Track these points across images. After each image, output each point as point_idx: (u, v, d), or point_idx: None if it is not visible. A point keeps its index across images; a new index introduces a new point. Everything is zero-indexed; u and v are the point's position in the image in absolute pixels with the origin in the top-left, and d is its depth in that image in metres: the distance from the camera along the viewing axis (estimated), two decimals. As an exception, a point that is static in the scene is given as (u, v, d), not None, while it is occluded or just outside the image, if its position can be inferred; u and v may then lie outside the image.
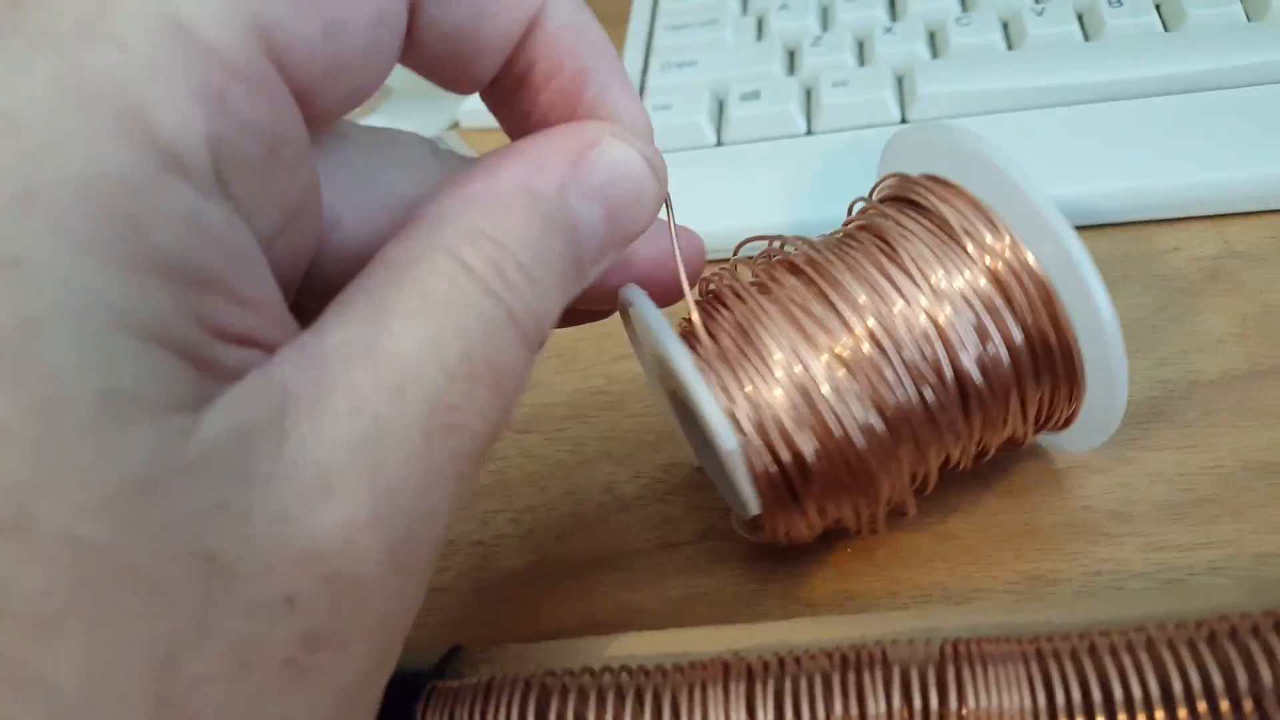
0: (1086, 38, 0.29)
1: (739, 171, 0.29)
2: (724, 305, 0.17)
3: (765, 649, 0.14)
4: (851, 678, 0.13)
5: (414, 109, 0.35)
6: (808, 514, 0.17)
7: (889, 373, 0.16)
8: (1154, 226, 0.26)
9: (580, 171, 0.13)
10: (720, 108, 0.31)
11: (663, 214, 0.16)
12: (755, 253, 0.20)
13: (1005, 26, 0.30)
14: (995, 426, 0.18)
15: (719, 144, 0.30)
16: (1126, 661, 0.13)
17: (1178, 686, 0.12)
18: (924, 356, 0.16)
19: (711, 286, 0.19)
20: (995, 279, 0.16)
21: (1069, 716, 0.13)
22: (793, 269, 0.17)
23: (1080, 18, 0.30)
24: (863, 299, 0.16)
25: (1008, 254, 0.16)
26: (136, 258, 0.09)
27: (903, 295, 0.16)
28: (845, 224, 0.19)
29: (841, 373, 0.16)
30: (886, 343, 0.16)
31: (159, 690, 0.09)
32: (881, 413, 0.16)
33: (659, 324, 0.16)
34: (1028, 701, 0.13)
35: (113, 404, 0.09)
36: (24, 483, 0.09)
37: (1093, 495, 0.20)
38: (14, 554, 0.09)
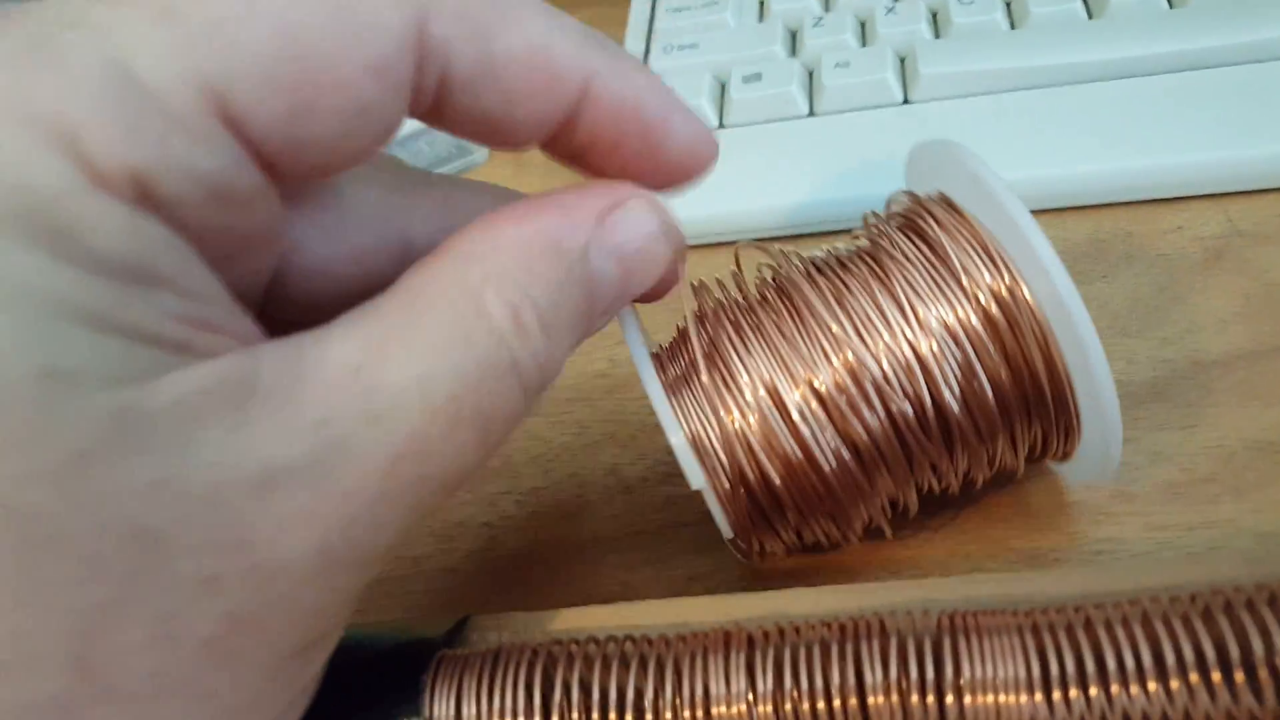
0: (1090, 16, 0.29)
1: (741, 154, 0.29)
2: (708, 325, 0.17)
3: (765, 619, 0.14)
4: (850, 647, 0.13)
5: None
6: (782, 537, 0.18)
7: (864, 406, 0.16)
8: (1157, 205, 0.26)
9: (604, 230, 0.14)
10: (722, 90, 0.31)
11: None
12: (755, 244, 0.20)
13: (1008, 5, 0.30)
14: (981, 462, 0.17)
15: (721, 126, 0.30)
16: (1121, 633, 0.13)
17: (1171, 658, 0.13)
18: (904, 391, 0.16)
19: (700, 305, 0.18)
20: (988, 317, 0.16)
21: (1064, 687, 0.13)
22: (782, 291, 0.17)
23: (1084, -4, 0.29)
24: (846, 331, 0.16)
25: (1004, 292, 0.16)
26: (70, 254, 0.10)
27: (890, 327, 0.16)
28: (853, 236, 0.19)
29: (815, 404, 0.16)
30: (865, 375, 0.16)
31: (80, 652, 0.10)
32: (854, 444, 0.16)
33: (641, 356, 0.17)
34: (1023, 672, 0.13)
35: (51, 381, 0.09)
36: None
37: (1093, 474, 0.20)
38: None
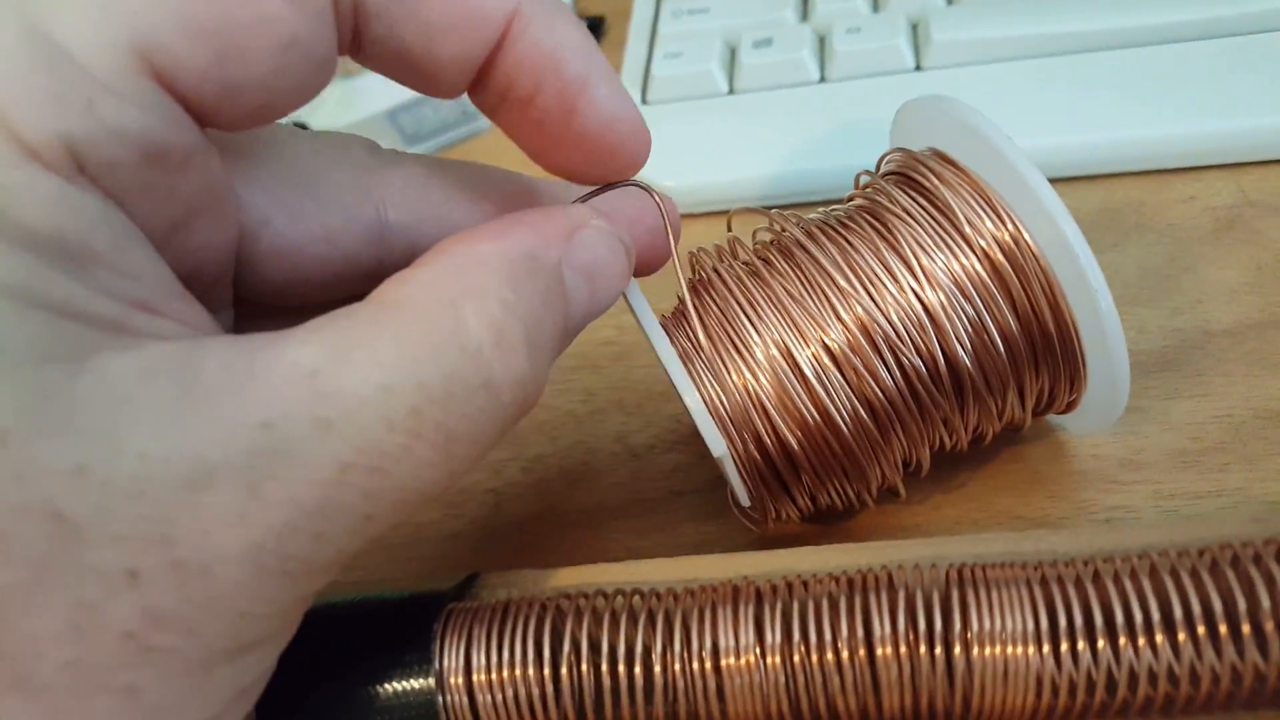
0: (1105, -16, 0.29)
1: (751, 120, 0.28)
2: (713, 291, 0.17)
3: (773, 574, 0.15)
4: (858, 600, 0.13)
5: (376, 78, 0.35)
6: (797, 501, 0.18)
7: (878, 363, 0.16)
8: (1169, 175, 0.25)
9: (572, 249, 0.14)
10: (732, 55, 0.30)
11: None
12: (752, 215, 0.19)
13: (1023, -27, 0.30)
14: (991, 415, 0.17)
15: (730, 92, 0.30)
16: (1129, 586, 0.13)
17: (1178, 611, 0.13)
18: (916, 346, 0.16)
19: (702, 272, 0.18)
20: (994, 267, 0.16)
21: (1071, 639, 0.13)
22: (785, 253, 0.17)
23: (1099, -37, 0.29)
24: (854, 287, 0.16)
25: (1009, 241, 0.16)
26: None
27: (897, 283, 0.16)
28: (847, 198, 0.19)
29: (828, 363, 0.16)
30: (876, 332, 0.16)
31: None
32: (869, 402, 0.16)
33: (653, 327, 0.16)
34: (1030, 624, 0.13)
35: None
36: None
37: (1103, 443, 0.20)
38: None
